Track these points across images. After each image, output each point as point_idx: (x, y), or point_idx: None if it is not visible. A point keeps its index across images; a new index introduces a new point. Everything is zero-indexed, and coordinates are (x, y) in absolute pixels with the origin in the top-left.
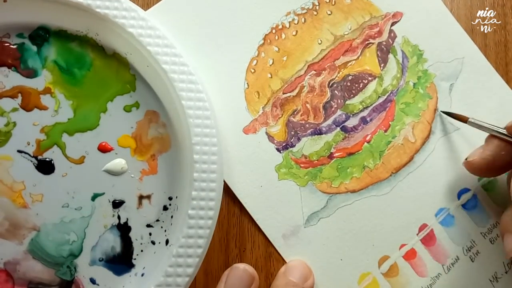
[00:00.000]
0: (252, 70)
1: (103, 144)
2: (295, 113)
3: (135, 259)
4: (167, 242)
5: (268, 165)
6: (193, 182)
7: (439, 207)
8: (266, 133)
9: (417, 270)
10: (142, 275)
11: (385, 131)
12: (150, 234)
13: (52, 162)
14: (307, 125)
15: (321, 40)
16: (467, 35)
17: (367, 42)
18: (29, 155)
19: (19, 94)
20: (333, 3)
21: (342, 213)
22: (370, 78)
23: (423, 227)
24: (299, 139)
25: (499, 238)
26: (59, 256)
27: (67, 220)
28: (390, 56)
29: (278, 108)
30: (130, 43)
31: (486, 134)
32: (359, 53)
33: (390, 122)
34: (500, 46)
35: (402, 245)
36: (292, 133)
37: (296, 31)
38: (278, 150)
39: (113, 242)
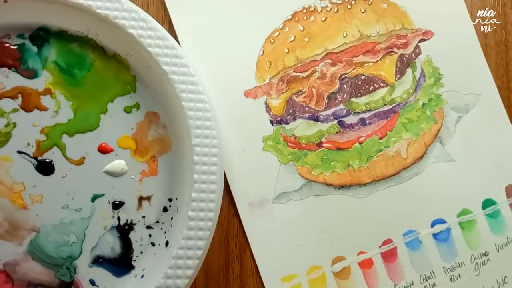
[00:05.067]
0: (272, 40)
1: (103, 145)
2: (299, 93)
3: (134, 260)
4: (167, 243)
5: (257, 133)
6: (193, 183)
7: (409, 228)
8: (265, 103)
9: (368, 280)
10: (142, 276)
11: (380, 138)
12: (150, 235)
13: (52, 163)
14: (306, 108)
15: (346, 34)
16: (490, 73)
17: (390, 50)
18: (29, 156)
19: (19, 95)
20: (370, 2)
21: (312, 202)
22: (382, 84)
23: (387, 241)
24: (294, 119)
25: (460, 278)
26: (59, 257)
27: (66, 221)
28: (409, 70)
29: (284, 83)
30: (130, 44)
31: (480, 171)
32: (379, 58)
33: (387, 132)
34: (500, 46)
35: (361, 252)
36: (290, 111)
37: (326, 18)
38: (271, 122)
39: (113, 243)
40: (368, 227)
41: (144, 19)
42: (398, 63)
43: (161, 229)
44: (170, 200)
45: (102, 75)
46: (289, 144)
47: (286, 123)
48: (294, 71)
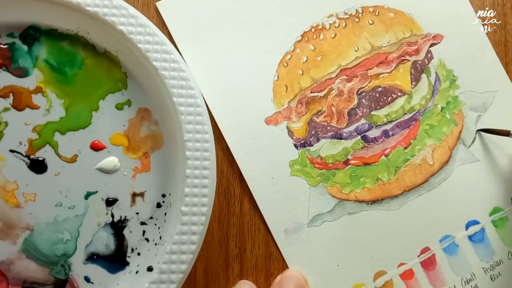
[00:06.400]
0: (285, 64)
1: (96, 142)
2: (319, 113)
3: (129, 257)
4: (160, 239)
5: (283, 159)
6: (186, 178)
7: (445, 234)
8: (287, 127)
9: None
10: (137, 272)
11: (405, 148)
12: (144, 231)
13: (45, 161)
14: (328, 128)
15: (357, 47)
16: (503, 70)
17: (402, 58)
18: (22, 154)
19: (11, 94)
20: (376, 13)
21: (347, 221)
22: (399, 94)
23: (425, 250)
24: (318, 140)
25: (500, 276)
26: (53, 255)
27: (60, 219)
28: (423, 76)
29: (303, 106)
30: (120, 40)
31: (506, 167)
32: (393, 67)
33: (411, 140)
34: (500, 46)
35: (401, 264)
36: (313, 132)
37: (335, 34)
38: (295, 146)
39: (107, 240)
40: (404, 238)
41: (134, 16)
42: (412, 71)
43: (155, 225)
44: (163, 196)
45: (93, 73)
46: (316, 165)
47: (310, 145)
48: (311, 92)
